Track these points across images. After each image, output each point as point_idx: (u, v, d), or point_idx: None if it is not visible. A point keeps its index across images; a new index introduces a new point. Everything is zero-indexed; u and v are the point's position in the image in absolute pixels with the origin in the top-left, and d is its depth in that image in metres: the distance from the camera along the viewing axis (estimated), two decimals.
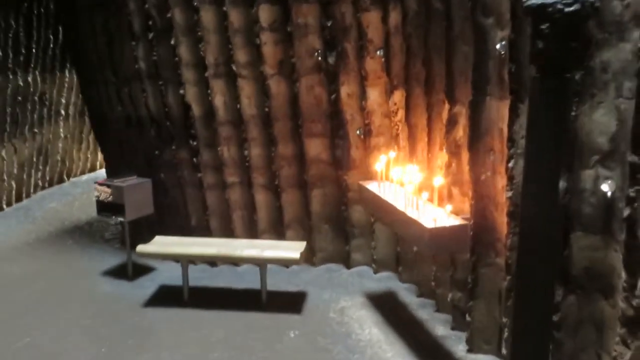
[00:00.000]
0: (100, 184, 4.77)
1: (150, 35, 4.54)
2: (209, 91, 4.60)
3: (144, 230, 5.05)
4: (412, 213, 3.29)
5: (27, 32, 6.83)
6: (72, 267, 5.16)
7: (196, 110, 4.70)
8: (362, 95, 4.45)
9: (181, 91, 4.63)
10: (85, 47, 5.20)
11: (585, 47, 2.16)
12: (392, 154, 4.07)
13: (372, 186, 4.04)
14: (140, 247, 4.28)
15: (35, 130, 7.69)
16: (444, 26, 3.32)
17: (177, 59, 4.53)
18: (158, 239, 4.52)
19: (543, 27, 2.05)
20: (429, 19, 3.54)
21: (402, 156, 4.15)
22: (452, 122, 3.41)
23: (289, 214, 4.93)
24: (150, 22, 4.51)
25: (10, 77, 6.81)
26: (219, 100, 4.66)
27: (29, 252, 5.67)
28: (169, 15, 4.43)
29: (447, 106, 3.43)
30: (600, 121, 2.54)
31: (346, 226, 4.82)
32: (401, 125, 4.20)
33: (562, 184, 2.66)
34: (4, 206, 7.20)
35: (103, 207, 4.77)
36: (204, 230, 4.96)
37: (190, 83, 4.62)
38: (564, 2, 1.99)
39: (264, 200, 4.91)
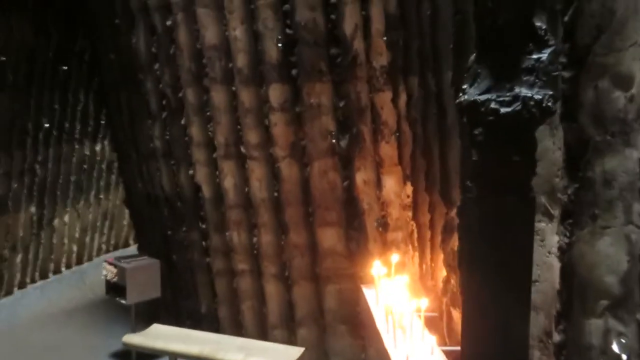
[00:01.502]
0: (109, 263, 4.63)
1: (164, 115, 4.45)
2: (217, 172, 4.35)
3: (161, 311, 4.82)
4: (389, 341, 2.64)
5: (97, 105, 7.21)
6: (85, 342, 5.02)
7: (206, 191, 4.46)
8: (378, 183, 3.93)
9: (191, 171, 4.43)
10: (115, 124, 5.28)
11: (531, 163, 1.49)
12: (395, 257, 3.45)
13: (370, 294, 3.42)
14: (127, 338, 4.00)
15: (101, 196, 8.00)
16: (437, 114, 2.76)
17: (187, 138, 4.37)
18: (154, 328, 4.22)
19: (476, 132, 1.46)
20: (427, 104, 3.00)
21: (408, 260, 3.51)
22: (448, 229, 2.77)
23: (301, 310, 4.40)
24: (164, 102, 4.43)
25: (77, 146, 7.17)
26: (228, 182, 4.39)
27: (60, 321, 5.68)
28: (180, 94, 4.32)
29: (443, 209, 2.80)
30: (607, 253, 1.82)
31: (365, 329, 4.18)
32: (413, 223, 3.59)
33: (556, 337, 1.93)
34: (63, 269, 7.43)
35: (110, 287, 4.61)
36: (213, 320, 4.59)
37: (201, 163, 4.42)
38: (500, 99, 1.39)
39: (275, 292, 4.45)
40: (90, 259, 8.00)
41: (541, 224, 2.15)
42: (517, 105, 1.36)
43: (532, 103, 1.35)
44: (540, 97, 1.35)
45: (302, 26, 3.89)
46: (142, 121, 4.67)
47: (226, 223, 4.45)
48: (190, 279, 4.72)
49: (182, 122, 4.36)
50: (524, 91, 1.36)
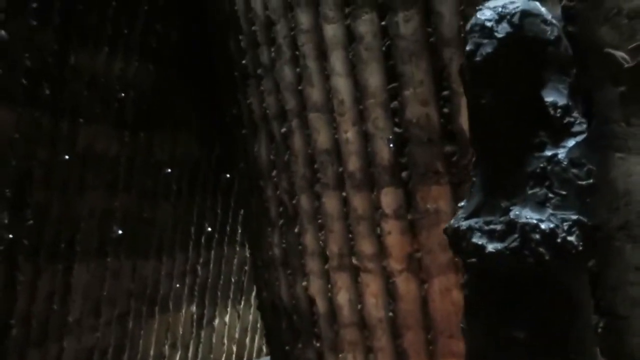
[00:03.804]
0: None
1: (281, 222, 4.30)
2: (329, 286, 3.96)
3: None
4: None
5: None
6: None
7: (320, 305, 4.07)
8: None
9: (304, 283, 4.12)
10: (248, 230, 5.32)
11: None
12: None
13: None
14: None
15: None
16: None
17: (301, 247, 4.12)
18: None
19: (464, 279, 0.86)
20: None
21: None
22: None
23: None
24: (282, 209, 4.30)
25: (238, 249, 7.49)
26: (342, 297, 3.94)
27: None
28: (294, 201, 4.15)
29: None
30: None
31: None
32: None
33: None
34: None
35: None
36: None
37: (315, 274, 4.09)
38: (488, 226, 0.80)
39: None
40: (250, 359, 8.04)
41: None
42: (512, 240, 0.75)
43: (537, 237, 0.73)
44: (552, 225, 0.73)
45: (413, 123, 3.47)
46: (264, 228, 4.60)
47: (341, 343, 3.96)
48: None
49: (297, 230, 4.14)
50: (526, 214, 0.76)
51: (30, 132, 4.07)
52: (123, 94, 5.05)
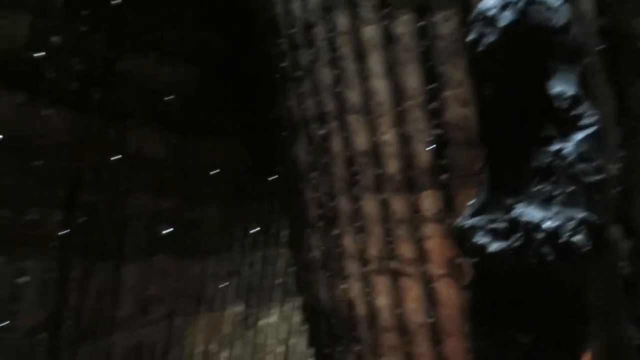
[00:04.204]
0: None
1: (320, 224, 4.30)
2: (369, 289, 3.92)
3: None
4: None
5: None
6: None
7: (360, 309, 4.04)
8: None
9: (343, 286, 4.09)
10: (290, 233, 5.35)
11: None
12: None
13: None
14: None
15: None
16: None
17: (340, 250, 4.10)
18: None
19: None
20: None
21: None
22: None
23: None
24: (321, 211, 4.29)
25: (282, 250, 7.56)
26: (382, 301, 3.89)
27: None
28: (333, 204, 4.13)
29: None
30: None
31: None
32: None
33: None
34: None
35: None
36: None
37: (354, 277, 4.05)
38: (491, 225, 0.76)
39: None
40: None
41: None
42: (515, 239, 0.71)
43: (541, 236, 0.68)
44: (559, 223, 0.68)
45: (452, 125, 3.39)
46: (303, 230, 4.61)
47: (381, 348, 3.91)
48: None
49: (336, 232, 4.13)
50: (531, 212, 0.71)
51: (81, 135, 4.26)
52: (170, 98, 5.20)
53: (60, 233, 4.21)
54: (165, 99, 5.15)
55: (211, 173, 6.08)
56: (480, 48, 0.81)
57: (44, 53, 3.94)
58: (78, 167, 4.29)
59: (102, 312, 4.86)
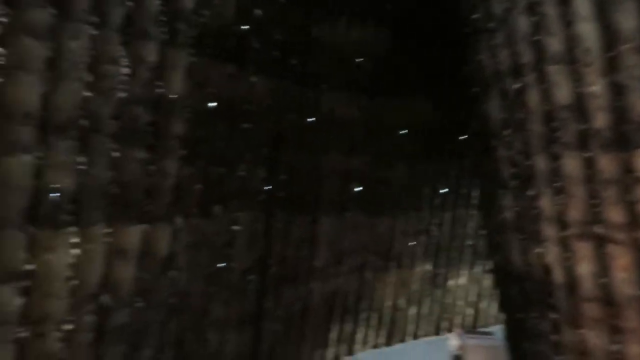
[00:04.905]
0: (458, 335, 4.49)
1: (514, 184, 4.06)
2: (568, 255, 3.62)
3: None
4: None
5: None
6: None
7: (557, 275, 3.77)
8: None
9: (539, 250, 3.85)
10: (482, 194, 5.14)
11: None
12: None
13: None
14: None
15: None
16: None
17: (536, 212, 3.84)
18: None
19: None
20: None
21: None
22: None
23: None
24: (515, 170, 4.04)
25: (472, 212, 7.35)
26: (584, 269, 3.58)
27: None
28: (530, 162, 3.86)
29: None
30: None
31: None
32: None
33: None
34: (453, 329, 7.61)
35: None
36: None
37: (552, 242, 3.78)
38: None
39: None
40: (486, 325, 7.88)
41: None
42: None
43: None
44: None
45: None
46: (495, 190, 4.41)
47: (581, 318, 3.62)
48: None
49: (531, 193, 3.87)
50: None
51: (281, 99, 4.64)
52: (360, 61, 5.33)
53: (265, 188, 4.68)
54: (356, 61, 5.29)
55: (400, 133, 6.13)
56: None
57: (248, 26, 4.33)
58: (279, 129, 4.69)
59: (301, 261, 5.33)
